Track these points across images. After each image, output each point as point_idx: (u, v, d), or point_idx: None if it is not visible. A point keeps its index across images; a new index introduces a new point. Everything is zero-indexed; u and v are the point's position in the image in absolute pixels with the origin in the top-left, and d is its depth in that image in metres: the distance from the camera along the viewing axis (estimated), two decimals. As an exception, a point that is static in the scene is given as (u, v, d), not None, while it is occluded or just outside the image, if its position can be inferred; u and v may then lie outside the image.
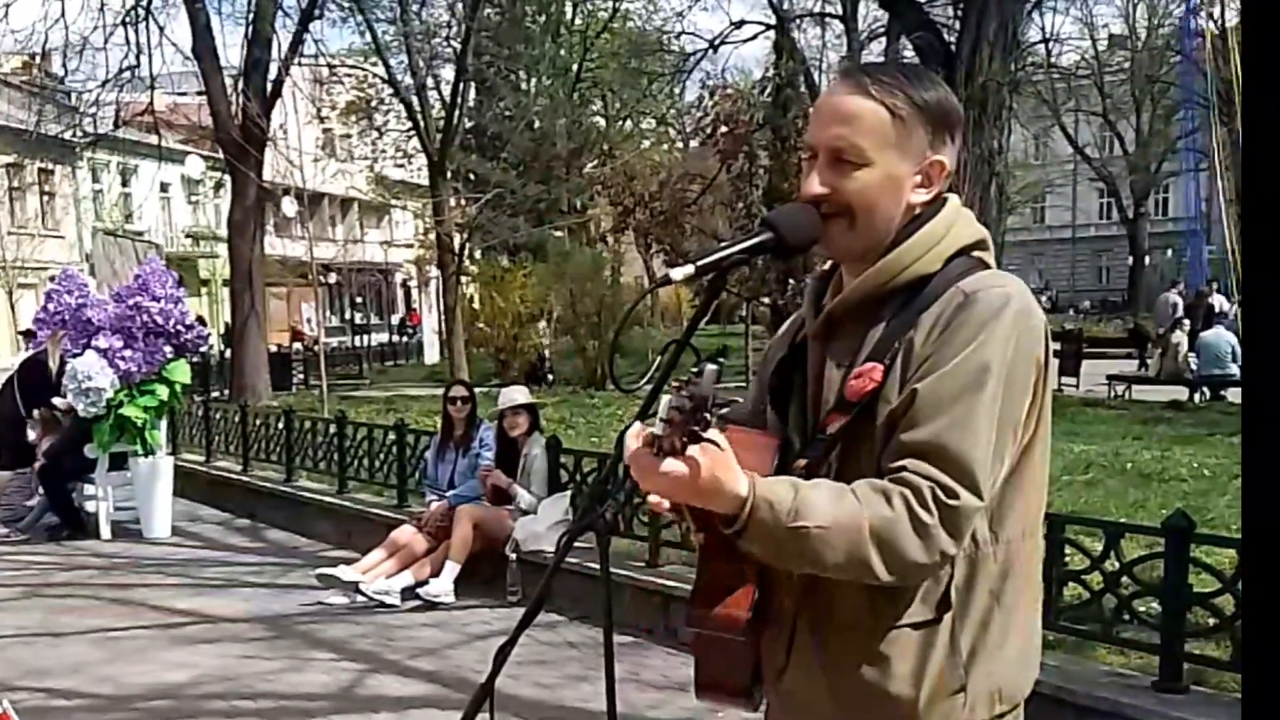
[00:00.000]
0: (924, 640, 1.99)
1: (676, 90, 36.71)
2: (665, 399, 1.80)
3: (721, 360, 1.82)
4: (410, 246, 50.80)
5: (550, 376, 25.45)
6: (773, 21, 30.42)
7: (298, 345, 36.43)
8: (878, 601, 1.98)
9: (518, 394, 9.06)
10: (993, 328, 1.92)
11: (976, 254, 2.09)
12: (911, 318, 2.00)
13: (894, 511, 1.85)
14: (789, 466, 2.03)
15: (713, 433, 1.80)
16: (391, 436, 10.36)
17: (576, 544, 2.16)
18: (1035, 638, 2.13)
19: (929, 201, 2.09)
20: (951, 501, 1.85)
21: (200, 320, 11.86)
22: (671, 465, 1.80)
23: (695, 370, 1.77)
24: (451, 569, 8.30)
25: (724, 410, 1.84)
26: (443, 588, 8.24)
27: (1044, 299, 49.70)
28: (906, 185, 2.05)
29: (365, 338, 46.11)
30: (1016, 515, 2.03)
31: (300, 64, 25.43)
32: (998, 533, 2.01)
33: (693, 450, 1.79)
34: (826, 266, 2.25)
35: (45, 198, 39.40)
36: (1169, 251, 56.67)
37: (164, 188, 42.94)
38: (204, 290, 44.25)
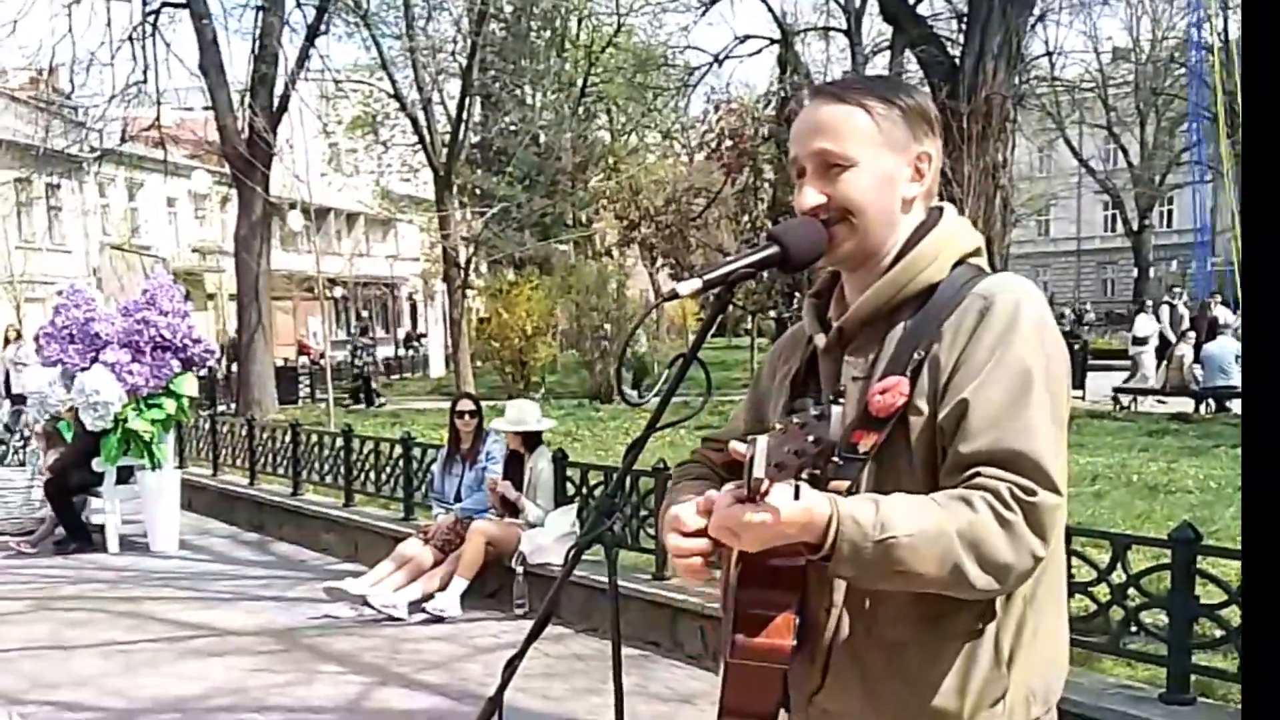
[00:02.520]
0: (969, 652, 1.98)
1: (681, 104, 36.72)
2: (763, 440, 1.75)
3: (843, 401, 1.83)
4: (416, 260, 50.87)
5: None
6: (777, 36, 30.49)
7: (304, 359, 36.43)
8: (925, 618, 1.96)
9: (529, 414, 8.98)
10: (1020, 330, 1.94)
11: (974, 261, 2.12)
12: (930, 327, 2.00)
13: (978, 514, 1.84)
14: (824, 489, 1.96)
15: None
16: (398, 450, 10.38)
17: (583, 557, 2.17)
18: (1063, 636, 2.14)
19: (924, 195, 2.12)
20: (1031, 499, 1.84)
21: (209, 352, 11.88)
22: (759, 516, 1.78)
23: (815, 414, 1.75)
24: (459, 584, 8.31)
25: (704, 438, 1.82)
26: (449, 603, 8.24)
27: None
28: (898, 178, 2.08)
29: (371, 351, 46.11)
30: None
31: (306, 79, 25.53)
32: None
33: (776, 490, 1.76)
34: (824, 280, 2.26)
35: (52, 212, 39.44)
36: (1174, 263, 56.63)
37: (170, 202, 43.07)
38: (210, 304, 44.30)
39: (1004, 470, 1.86)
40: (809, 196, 2.06)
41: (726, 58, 30.73)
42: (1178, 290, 32.34)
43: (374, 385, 28.00)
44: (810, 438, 1.74)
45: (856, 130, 2.05)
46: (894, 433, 1.98)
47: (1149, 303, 27.29)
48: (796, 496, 1.76)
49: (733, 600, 2.02)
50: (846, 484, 1.98)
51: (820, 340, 2.16)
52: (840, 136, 2.05)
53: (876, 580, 1.89)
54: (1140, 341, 22.17)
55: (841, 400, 1.83)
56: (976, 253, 2.13)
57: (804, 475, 1.75)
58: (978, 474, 1.87)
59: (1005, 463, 1.87)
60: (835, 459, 1.78)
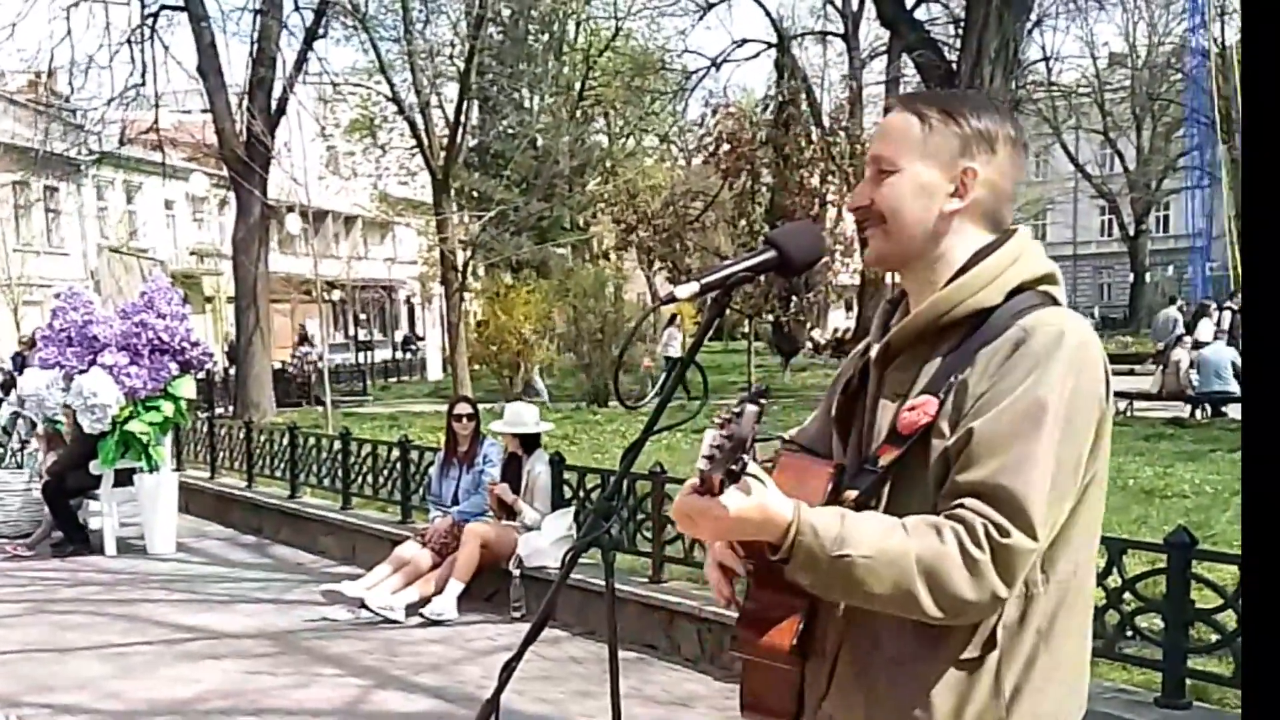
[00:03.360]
0: (967, 678, 1.97)
1: (679, 108, 36.77)
2: (708, 433, 1.82)
3: (763, 400, 1.85)
4: (414, 263, 50.86)
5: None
6: (774, 40, 30.55)
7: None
8: (922, 638, 1.96)
9: (526, 416, 8.99)
10: (1049, 365, 1.91)
11: (1045, 288, 2.07)
12: (969, 353, 1.99)
13: (944, 545, 1.85)
14: (839, 497, 2.03)
15: (751, 468, 1.83)
16: (396, 453, 10.39)
17: (580, 560, 2.18)
18: (1082, 673, 2.10)
19: (971, 213, 2.09)
20: (1004, 540, 1.84)
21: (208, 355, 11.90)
22: (712, 510, 1.85)
23: (736, 411, 1.80)
24: (455, 587, 8.32)
25: (781, 437, 1.87)
26: (445, 606, 8.25)
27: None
28: (937, 192, 2.07)
29: (369, 354, 46.13)
30: (1069, 554, 2.00)
31: (305, 82, 25.55)
32: (1049, 574, 1.98)
33: (732, 488, 1.83)
34: (900, 288, 2.25)
35: (50, 215, 39.43)
36: (1170, 268, 56.66)
37: (169, 205, 43.04)
38: (208, 307, 44.28)
39: (987, 505, 1.86)
40: (856, 195, 2.12)
41: (724, 62, 30.85)
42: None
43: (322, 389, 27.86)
44: (725, 433, 1.79)
45: (904, 137, 2.07)
46: (914, 451, 1.99)
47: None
48: (721, 489, 1.82)
49: (745, 597, 2.08)
50: (856, 494, 2.02)
51: (873, 351, 2.17)
52: (889, 142, 2.09)
53: (831, 592, 1.96)
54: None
55: (763, 400, 1.85)
56: (1045, 279, 2.08)
57: (728, 467, 1.79)
58: (960, 504, 1.88)
59: (990, 497, 1.87)
60: (745, 455, 1.79)
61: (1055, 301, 2.07)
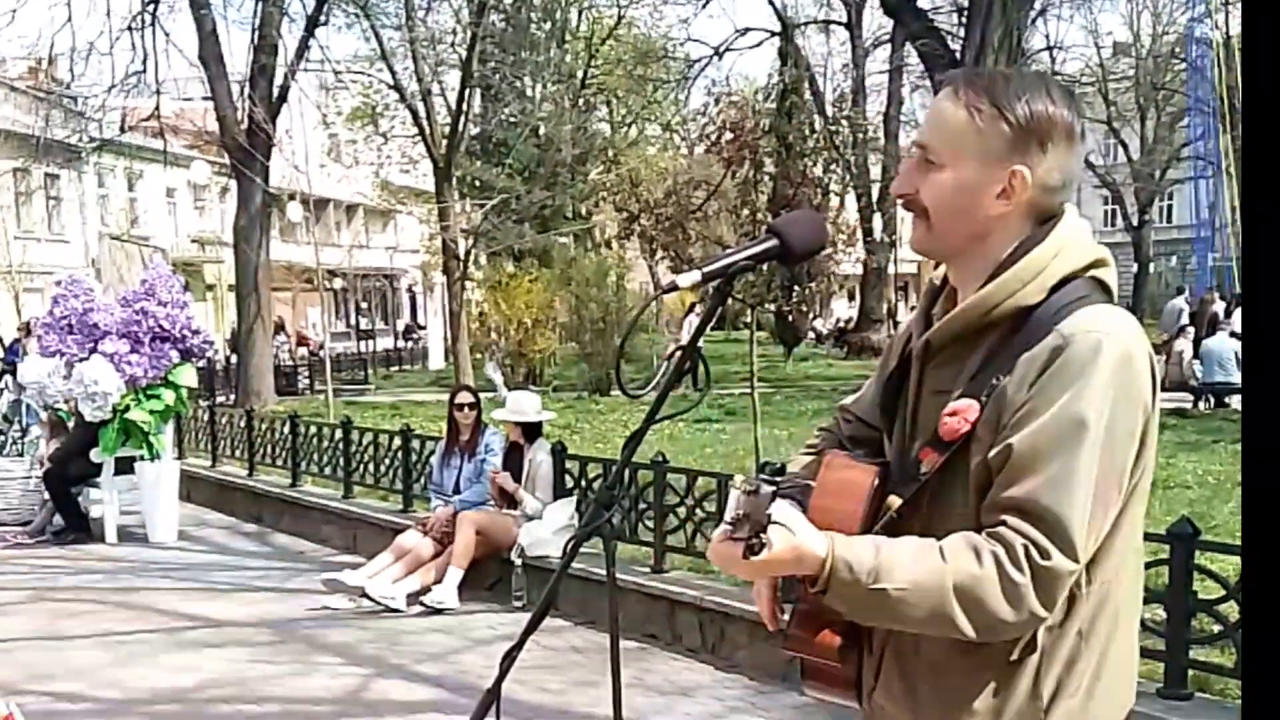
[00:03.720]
0: (1006, 681, 1.97)
1: (681, 97, 36.75)
2: (732, 495, 1.90)
3: (779, 480, 1.88)
4: (416, 252, 50.87)
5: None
6: (778, 28, 30.48)
7: (303, 350, 36.45)
8: (965, 643, 1.94)
9: (527, 404, 8.99)
10: (1088, 378, 1.86)
11: (1093, 274, 2.02)
12: (1010, 357, 1.94)
13: (983, 569, 1.84)
14: (884, 499, 2.04)
15: (778, 512, 1.88)
16: (397, 442, 10.38)
17: (582, 549, 2.17)
18: (1128, 670, 2.08)
19: (1020, 213, 2.02)
20: (1045, 562, 1.83)
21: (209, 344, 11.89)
22: (742, 564, 1.90)
23: (751, 489, 1.86)
24: (454, 575, 8.31)
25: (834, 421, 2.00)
26: (446, 594, 8.25)
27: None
28: (984, 194, 2.00)
29: (370, 343, 46.13)
30: (1112, 557, 1.98)
31: (306, 70, 25.51)
32: (1092, 575, 1.95)
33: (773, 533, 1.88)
34: (943, 276, 2.19)
35: (51, 202, 39.43)
36: (1173, 259, 56.60)
37: (170, 193, 43.04)
38: (209, 295, 44.28)
39: (1028, 524, 1.85)
40: (899, 182, 2.09)
41: (727, 50, 30.82)
42: None
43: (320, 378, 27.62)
44: (742, 511, 1.87)
45: (954, 133, 2.00)
46: (955, 457, 1.97)
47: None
48: (746, 557, 1.89)
49: (796, 597, 2.10)
50: (900, 501, 2.01)
51: (915, 344, 2.14)
52: (938, 135, 2.02)
53: (869, 620, 2.00)
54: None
55: (780, 480, 1.92)
56: (1094, 265, 2.03)
57: (748, 543, 1.87)
58: (1001, 522, 1.87)
59: (1031, 515, 1.85)
60: (762, 535, 1.85)
61: (1104, 287, 2.03)
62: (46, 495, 11.39)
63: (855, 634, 2.08)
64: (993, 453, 1.91)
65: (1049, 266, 1.99)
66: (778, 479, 1.89)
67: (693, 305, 26.26)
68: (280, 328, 32.72)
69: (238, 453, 13.19)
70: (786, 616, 2.14)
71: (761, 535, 1.84)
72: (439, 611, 8.15)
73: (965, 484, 1.96)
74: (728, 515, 1.89)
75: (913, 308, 2.21)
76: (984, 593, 1.84)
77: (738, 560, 1.90)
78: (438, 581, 8.34)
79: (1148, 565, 5.36)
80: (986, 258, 2.03)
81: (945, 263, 2.14)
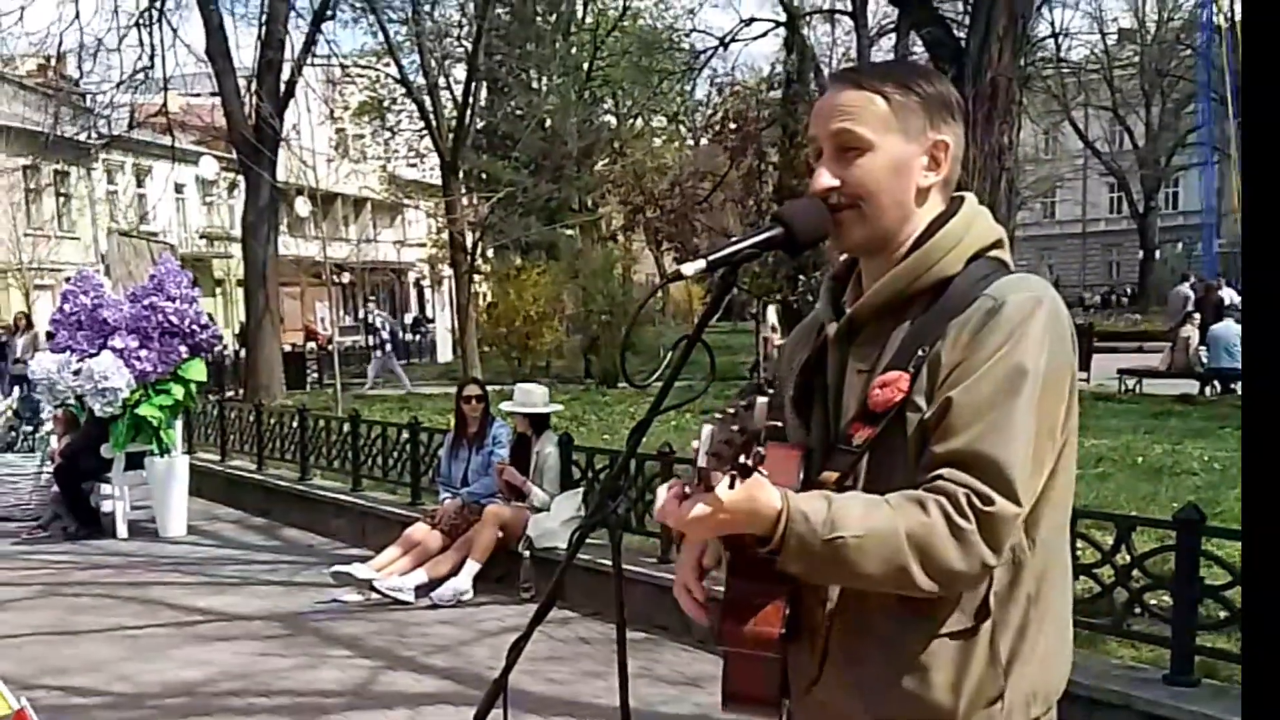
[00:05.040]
0: (963, 649, 1.97)
1: (687, 88, 36.75)
2: (706, 429, 1.78)
3: (771, 390, 1.83)
4: (423, 246, 50.84)
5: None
6: (783, 19, 30.40)
7: (311, 345, 36.46)
8: (915, 613, 1.95)
9: (535, 397, 9.01)
10: (1024, 332, 1.90)
11: (994, 254, 2.07)
12: (937, 323, 1.97)
13: (930, 518, 1.84)
14: (814, 479, 2.01)
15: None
16: (405, 435, 10.40)
17: (589, 540, 2.18)
18: (1066, 632, 2.11)
19: (941, 184, 2.08)
20: (988, 508, 1.84)
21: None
22: (700, 510, 1.81)
23: (744, 403, 1.76)
24: (472, 568, 8.33)
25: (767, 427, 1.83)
26: (462, 585, 8.27)
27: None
28: (914, 167, 2.05)
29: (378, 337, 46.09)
30: (1049, 517, 2.01)
31: (313, 64, 25.51)
32: (1034, 537, 1.98)
33: (721, 485, 1.78)
34: (843, 264, 2.23)
35: (61, 199, 39.49)
36: (1179, 245, 56.50)
37: (178, 188, 43.01)
38: (218, 290, 44.33)
39: (967, 474, 1.86)
40: (823, 178, 2.05)
41: (732, 41, 30.69)
42: None
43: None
44: (735, 427, 1.75)
45: (873, 115, 2.03)
46: (890, 428, 1.97)
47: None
48: (731, 486, 1.77)
49: (724, 586, 2.04)
50: (837, 475, 2.00)
51: (831, 329, 2.14)
52: (858, 120, 2.03)
53: (824, 577, 1.95)
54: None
55: (769, 390, 1.83)
56: (997, 245, 2.08)
57: (738, 462, 1.74)
58: (940, 476, 1.88)
59: (971, 466, 1.86)
60: (759, 447, 1.74)
61: (1007, 267, 2.07)
62: (55, 488, 11.41)
63: (793, 622, 2.02)
64: (930, 411, 1.93)
65: (965, 237, 2.05)
66: (770, 388, 1.83)
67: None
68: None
69: (247, 447, 13.21)
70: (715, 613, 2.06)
71: (759, 449, 1.74)
72: (455, 604, 8.17)
73: (902, 455, 1.96)
74: (705, 448, 1.77)
75: None
76: (935, 541, 1.84)
77: (695, 510, 1.81)
78: (449, 574, 8.35)
79: (1154, 552, 5.41)
80: (904, 241, 2.07)
81: (868, 254, 2.12)
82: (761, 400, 1.77)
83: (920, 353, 1.97)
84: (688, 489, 1.85)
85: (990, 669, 1.98)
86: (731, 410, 1.76)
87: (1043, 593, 2.02)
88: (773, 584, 1.98)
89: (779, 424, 2.19)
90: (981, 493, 1.84)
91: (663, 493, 1.92)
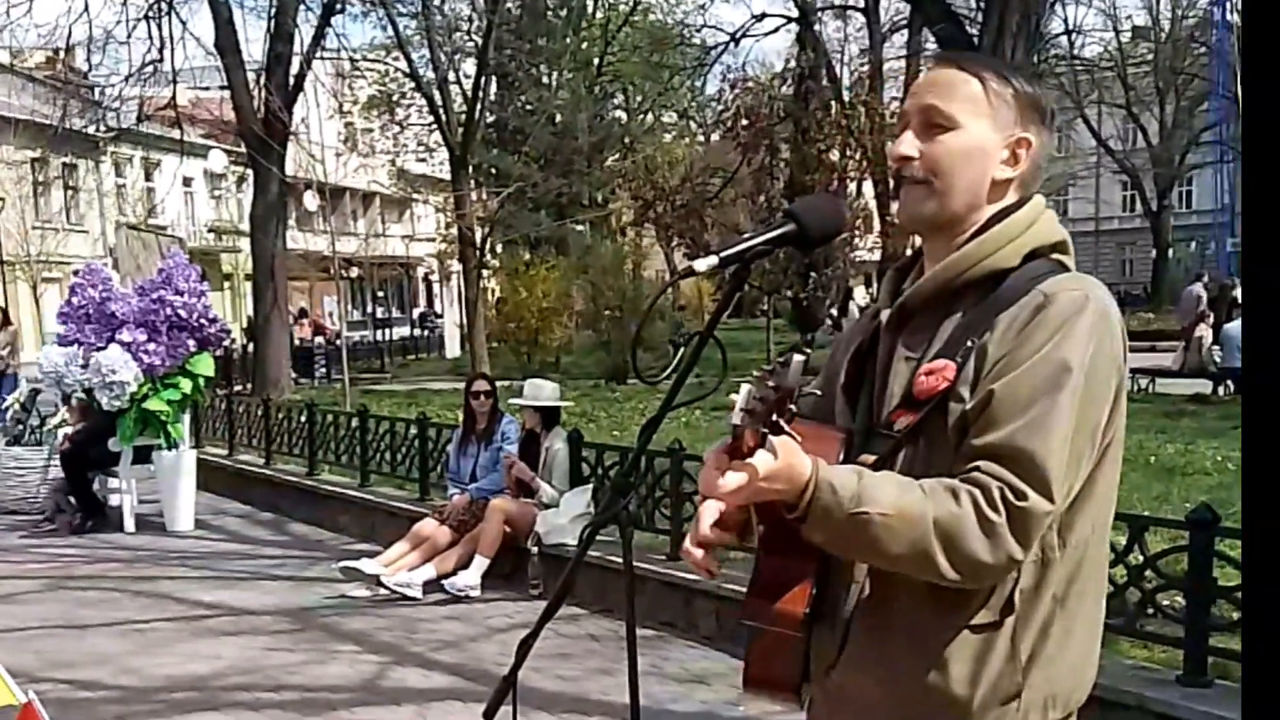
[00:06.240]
0: (984, 643, 1.96)
1: (698, 83, 36.74)
2: (745, 388, 1.78)
3: (808, 350, 1.81)
4: (432, 240, 50.91)
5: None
6: (795, 14, 30.40)
7: (319, 339, 36.50)
8: (940, 602, 1.95)
9: (544, 390, 9.00)
10: (1071, 328, 1.90)
11: (1056, 256, 2.07)
12: (987, 316, 1.97)
13: (960, 508, 1.84)
14: (854, 461, 2.01)
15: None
16: (413, 430, 10.38)
17: (598, 537, 2.16)
18: (1095, 638, 2.09)
19: (1017, 183, 2.08)
20: (1020, 503, 1.83)
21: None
22: (736, 479, 1.82)
23: (781, 360, 1.76)
24: (481, 563, 8.31)
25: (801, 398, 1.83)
26: (471, 581, 8.25)
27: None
28: (993, 157, 2.04)
29: (387, 331, 46.19)
30: (1086, 519, 1.99)
31: (322, 58, 25.51)
32: (1066, 538, 1.97)
33: (760, 453, 1.79)
34: (909, 255, 2.23)
35: (69, 192, 39.60)
36: (1192, 244, 56.36)
37: (187, 182, 43.09)
38: (226, 285, 44.39)
39: (1003, 467, 1.85)
40: (902, 146, 2.06)
41: (743, 36, 30.69)
42: None
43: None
44: (771, 384, 1.75)
45: (966, 96, 2.04)
46: (932, 416, 1.97)
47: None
48: (763, 443, 1.78)
49: (754, 564, 2.05)
50: (874, 459, 1.99)
51: (884, 315, 2.14)
52: (951, 98, 2.04)
53: (848, 551, 1.95)
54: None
55: (809, 351, 1.80)
56: (1059, 247, 2.08)
57: (770, 419, 1.76)
58: (976, 468, 1.87)
59: (1007, 459, 1.85)
60: (792, 405, 1.76)
61: (1067, 270, 2.06)
62: (60, 476, 11.41)
63: (818, 604, 2.02)
64: (972, 403, 1.92)
65: (1025, 234, 2.04)
66: (807, 348, 1.81)
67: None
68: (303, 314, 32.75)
69: (255, 441, 13.21)
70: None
71: (792, 406, 1.75)
72: (457, 599, 8.15)
73: (942, 444, 1.95)
74: (741, 404, 1.77)
75: None
76: (963, 531, 1.83)
77: (736, 475, 1.81)
78: (459, 569, 8.34)
79: (1167, 552, 5.37)
80: (968, 230, 2.06)
81: (931, 236, 2.12)
82: (798, 358, 1.77)
83: (969, 344, 1.97)
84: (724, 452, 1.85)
85: (1009, 665, 1.96)
86: (768, 369, 1.76)
87: (1071, 596, 1.99)
88: (802, 563, 1.99)
89: (815, 389, 2.23)
90: (1015, 487, 1.84)
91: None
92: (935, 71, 2.09)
